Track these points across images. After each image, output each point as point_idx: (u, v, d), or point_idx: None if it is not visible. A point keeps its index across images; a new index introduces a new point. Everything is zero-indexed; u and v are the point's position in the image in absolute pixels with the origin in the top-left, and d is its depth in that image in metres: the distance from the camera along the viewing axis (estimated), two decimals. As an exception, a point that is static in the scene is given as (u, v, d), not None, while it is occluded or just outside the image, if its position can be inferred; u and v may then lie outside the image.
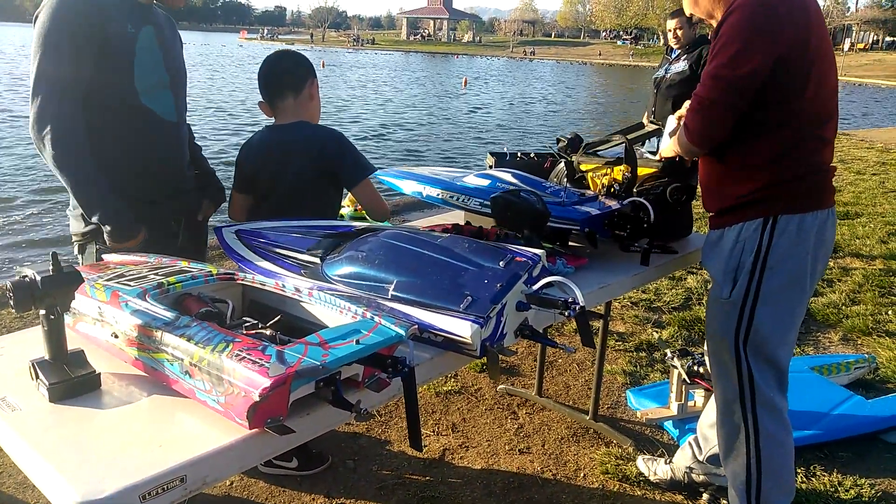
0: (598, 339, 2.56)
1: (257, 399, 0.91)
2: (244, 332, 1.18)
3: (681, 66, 4.50)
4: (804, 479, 2.23)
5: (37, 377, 1.13)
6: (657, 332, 3.44)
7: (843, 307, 3.80)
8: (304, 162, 1.95)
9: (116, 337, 1.20)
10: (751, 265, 1.68)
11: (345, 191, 2.38)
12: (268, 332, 1.13)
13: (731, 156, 1.71)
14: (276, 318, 1.18)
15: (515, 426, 2.59)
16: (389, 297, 1.34)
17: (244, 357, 0.96)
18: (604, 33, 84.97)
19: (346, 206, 2.34)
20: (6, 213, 6.22)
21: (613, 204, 2.00)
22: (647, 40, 71.84)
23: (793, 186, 1.66)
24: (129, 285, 1.29)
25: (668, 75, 4.56)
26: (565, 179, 2.29)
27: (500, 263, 1.34)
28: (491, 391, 2.84)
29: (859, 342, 3.39)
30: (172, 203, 2.00)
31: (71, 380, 1.11)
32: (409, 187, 2.26)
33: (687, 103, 1.74)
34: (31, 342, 1.27)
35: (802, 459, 2.33)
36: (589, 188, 2.27)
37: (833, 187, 1.76)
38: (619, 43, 73.89)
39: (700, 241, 2.03)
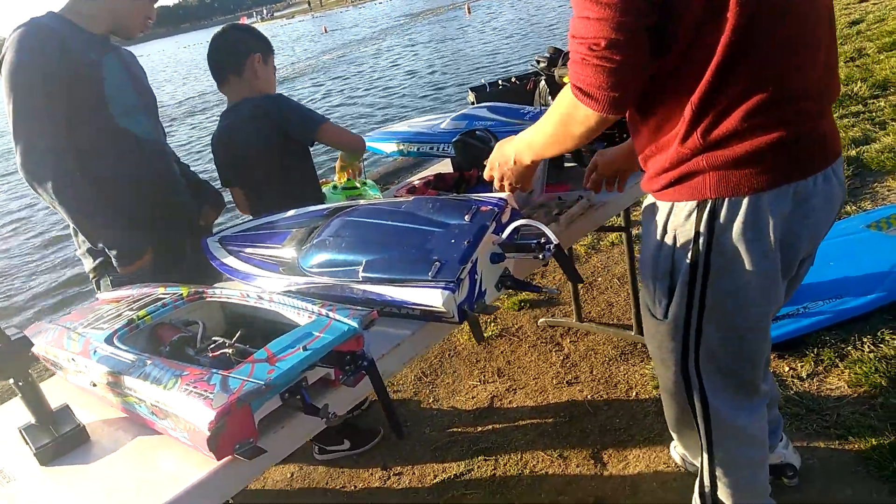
0: (626, 251, 2.44)
1: (208, 433, 0.87)
2: (210, 354, 1.14)
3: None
4: (872, 348, 2.08)
5: (26, 443, 1.13)
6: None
7: (876, 140, 3.50)
8: (255, 139, 1.92)
9: (95, 385, 1.19)
10: (688, 272, 1.15)
11: (336, 166, 2.31)
12: (230, 350, 1.09)
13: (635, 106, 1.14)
14: (237, 335, 1.13)
15: (561, 358, 2.53)
16: (360, 279, 1.27)
17: (191, 391, 0.92)
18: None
19: (334, 180, 2.25)
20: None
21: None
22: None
23: (736, 150, 1.04)
24: (102, 328, 1.27)
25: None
26: (550, 98, 2.14)
27: (466, 217, 1.25)
28: (532, 327, 2.78)
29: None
30: (172, 218, 2.01)
31: (56, 440, 1.11)
32: (390, 147, 2.16)
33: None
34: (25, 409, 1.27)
35: (869, 326, 2.18)
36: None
37: (833, 133, 1.14)
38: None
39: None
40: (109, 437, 1.14)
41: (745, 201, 1.07)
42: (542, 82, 2.16)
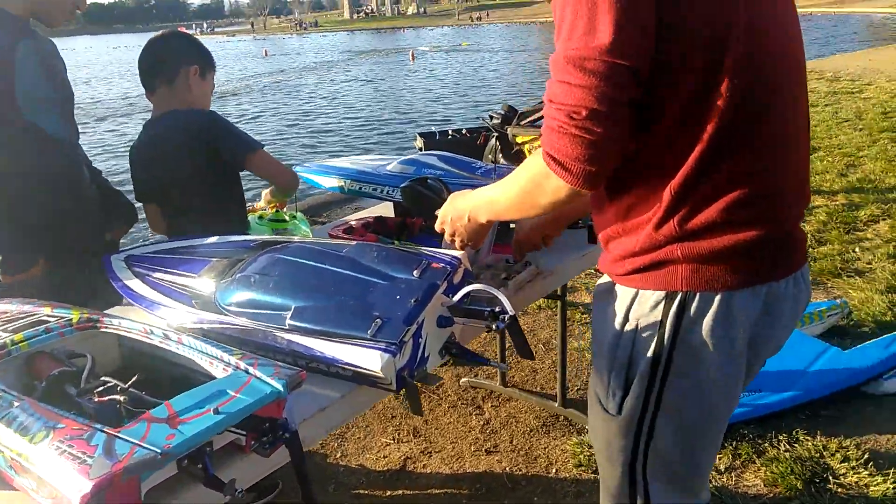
0: (558, 320, 2.38)
1: (79, 508, 0.69)
2: (96, 398, 0.96)
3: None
4: (788, 447, 2.09)
5: None
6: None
7: (810, 249, 3.68)
8: (181, 154, 1.75)
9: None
10: (648, 367, 1.04)
11: (262, 192, 2.15)
12: (121, 397, 0.91)
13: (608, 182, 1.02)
14: (133, 378, 0.95)
15: (481, 423, 2.41)
16: (287, 326, 1.12)
17: (64, 450, 0.74)
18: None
19: (263, 206, 2.08)
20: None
21: (552, 177, 1.80)
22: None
23: (714, 243, 0.97)
24: (-34, 352, 1.05)
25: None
26: (500, 155, 2.08)
27: (415, 272, 1.13)
28: (454, 385, 2.66)
29: (829, 285, 3.27)
30: (75, 226, 1.78)
31: None
32: (329, 182, 2.03)
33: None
34: None
35: (784, 423, 2.19)
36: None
37: (803, 236, 1.10)
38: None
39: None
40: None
41: (718, 298, 0.99)
42: (494, 139, 2.11)
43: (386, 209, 2.14)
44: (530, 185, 1.03)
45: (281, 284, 1.19)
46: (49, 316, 1.20)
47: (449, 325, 1.11)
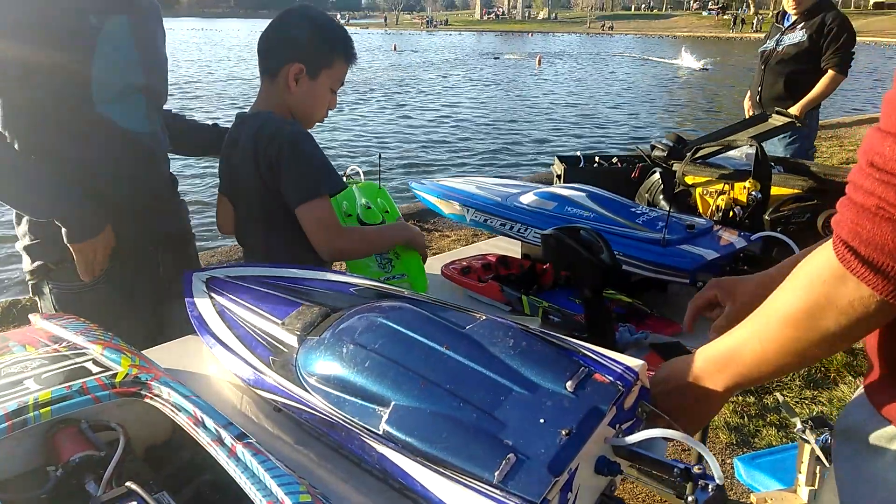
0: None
1: None
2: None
3: (797, 36, 3.72)
4: None
5: None
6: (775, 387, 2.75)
7: None
8: (248, 167, 1.44)
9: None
10: None
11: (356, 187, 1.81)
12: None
13: None
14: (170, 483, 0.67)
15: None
16: (381, 432, 0.81)
17: None
18: (693, 3, 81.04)
19: (361, 203, 1.76)
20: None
21: (736, 239, 1.39)
22: (736, 9, 67.69)
23: None
24: (-24, 409, 0.82)
25: (781, 48, 3.79)
26: (661, 197, 1.69)
27: (568, 384, 0.79)
28: None
29: None
30: (147, 212, 1.60)
31: None
32: (449, 208, 1.72)
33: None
34: None
35: None
36: (696, 209, 1.67)
37: None
38: (704, 14, 70.08)
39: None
40: None
41: None
42: (657, 174, 1.71)
43: (510, 245, 1.81)
44: (810, 299, 0.65)
45: (380, 366, 0.88)
46: (94, 364, 0.95)
47: (612, 475, 0.76)
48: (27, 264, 1.53)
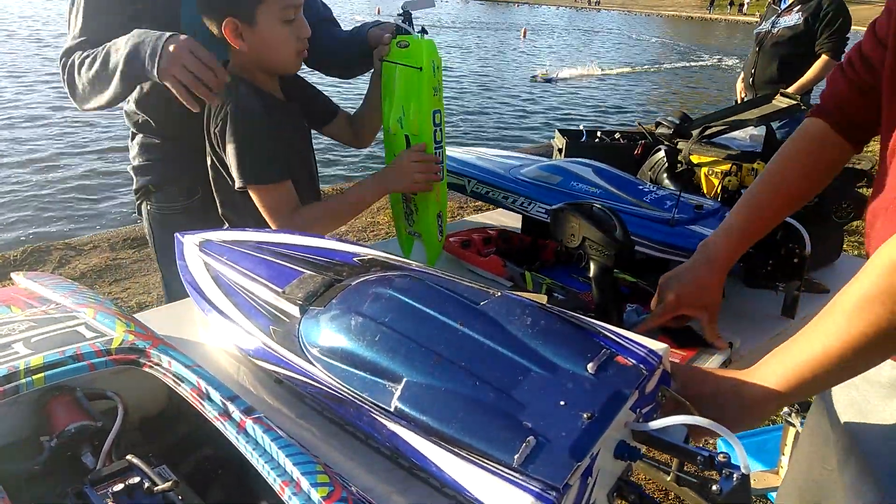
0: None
1: None
2: (112, 488, 0.65)
3: (793, 18, 3.70)
4: None
5: None
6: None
7: None
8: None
9: None
10: None
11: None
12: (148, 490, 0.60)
13: None
14: (165, 486, 0.63)
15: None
16: (392, 409, 0.78)
17: None
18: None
19: (395, 121, 1.44)
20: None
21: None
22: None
23: None
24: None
25: (776, 30, 3.77)
26: (664, 175, 1.66)
27: (590, 366, 0.76)
28: None
29: None
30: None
31: None
32: (449, 180, 1.67)
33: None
34: None
35: None
36: (700, 189, 1.65)
37: None
38: (691, -7, 69.70)
39: (850, 269, 1.07)
40: None
41: None
42: (662, 153, 1.68)
43: (509, 218, 1.78)
44: (880, 308, 0.62)
45: (392, 340, 0.85)
46: (87, 328, 0.90)
47: (632, 460, 0.74)
48: (136, 182, 1.68)
